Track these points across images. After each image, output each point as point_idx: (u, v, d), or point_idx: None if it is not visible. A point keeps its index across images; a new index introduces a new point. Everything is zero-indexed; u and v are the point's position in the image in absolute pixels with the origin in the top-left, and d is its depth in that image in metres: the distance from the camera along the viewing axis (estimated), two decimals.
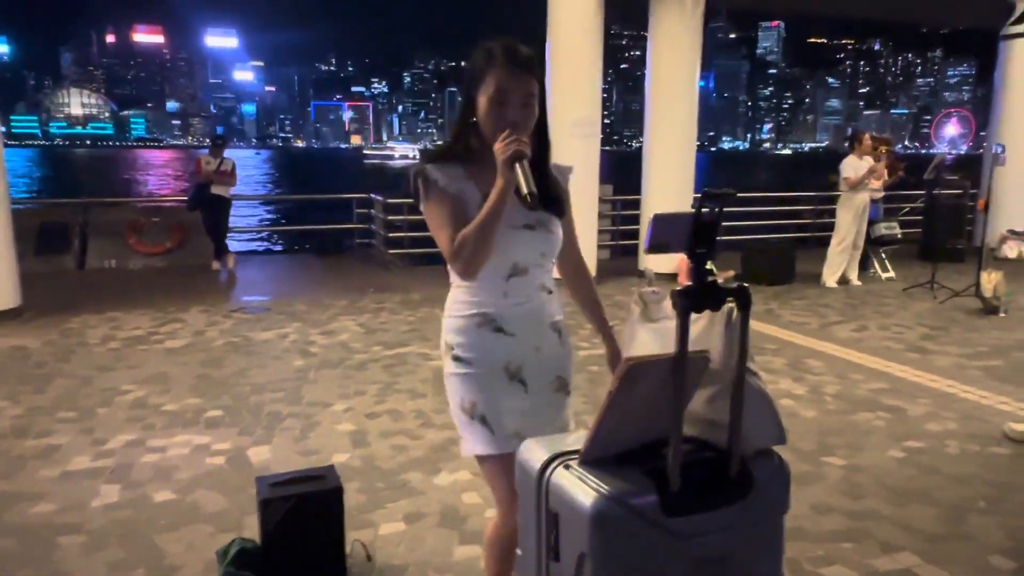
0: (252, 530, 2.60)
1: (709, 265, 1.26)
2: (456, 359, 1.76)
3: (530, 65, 1.65)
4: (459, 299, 1.77)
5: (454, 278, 1.77)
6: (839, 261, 7.70)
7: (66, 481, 3.16)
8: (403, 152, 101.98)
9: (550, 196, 1.75)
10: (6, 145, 6.37)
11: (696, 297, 1.24)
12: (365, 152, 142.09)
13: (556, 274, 1.87)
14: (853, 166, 7.47)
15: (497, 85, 1.62)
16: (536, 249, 1.74)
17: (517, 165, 1.53)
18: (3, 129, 8.23)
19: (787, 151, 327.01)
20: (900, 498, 3.06)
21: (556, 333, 1.81)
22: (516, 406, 1.75)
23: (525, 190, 1.52)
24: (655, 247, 1.22)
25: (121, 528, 2.76)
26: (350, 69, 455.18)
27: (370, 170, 72.90)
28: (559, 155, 1.81)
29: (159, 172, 74.41)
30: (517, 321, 1.74)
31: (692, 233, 1.23)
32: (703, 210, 1.23)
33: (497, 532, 1.87)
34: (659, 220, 1.23)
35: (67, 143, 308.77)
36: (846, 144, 7.98)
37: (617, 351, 1.89)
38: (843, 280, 7.77)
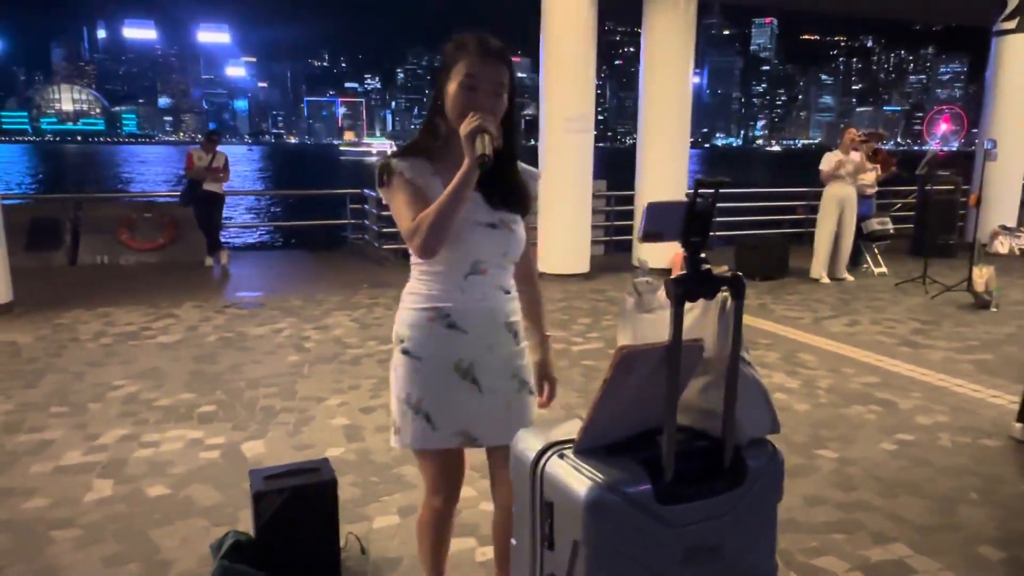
0: (246, 524, 2.60)
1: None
2: (405, 352, 1.75)
3: (502, 54, 1.64)
4: (415, 291, 1.76)
5: (414, 267, 1.77)
6: (823, 253, 7.74)
7: (59, 476, 3.14)
8: (380, 148, 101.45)
9: (515, 196, 1.75)
10: None
11: (690, 286, 1.24)
12: (341, 149, 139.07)
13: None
14: (829, 159, 7.59)
15: (468, 71, 1.61)
16: (498, 248, 1.73)
17: (477, 137, 1.52)
18: None
19: (778, 148, 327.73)
20: (891, 490, 3.08)
21: (511, 333, 1.79)
22: (467, 405, 1.74)
23: (479, 151, 1.51)
24: (649, 235, 1.22)
25: (115, 523, 2.75)
26: (343, 65, 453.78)
27: (347, 166, 72.97)
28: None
29: (151, 168, 74.13)
30: (472, 318, 1.72)
31: (686, 222, 1.23)
32: (697, 199, 1.23)
33: (429, 515, 1.89)
34: (653, 208, 1.23)
35: (58, 139, 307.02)
36: (839, 140, 8.02)
37: (547, 362, 1.90)
38: (837, 276, 7.81)
